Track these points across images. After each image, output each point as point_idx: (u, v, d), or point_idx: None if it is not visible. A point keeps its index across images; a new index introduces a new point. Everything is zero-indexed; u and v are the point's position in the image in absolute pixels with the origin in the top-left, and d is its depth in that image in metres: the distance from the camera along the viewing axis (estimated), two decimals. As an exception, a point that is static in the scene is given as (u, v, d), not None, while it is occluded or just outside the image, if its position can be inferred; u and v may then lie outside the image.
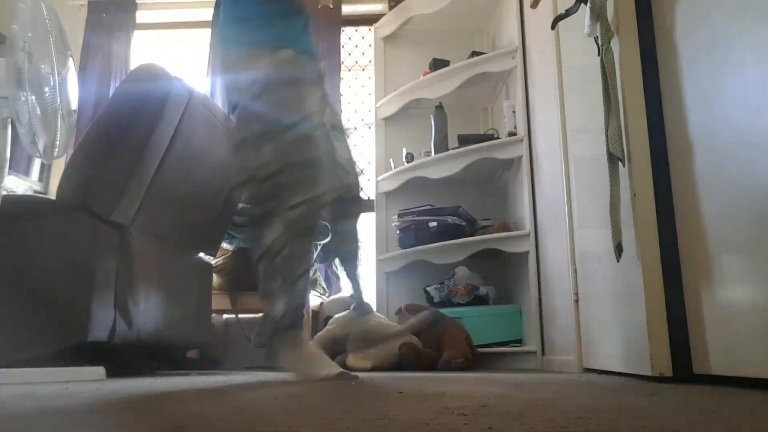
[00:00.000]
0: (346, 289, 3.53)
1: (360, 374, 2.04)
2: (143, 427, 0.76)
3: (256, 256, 1.75)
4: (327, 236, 2.96)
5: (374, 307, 3.03)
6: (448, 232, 2.92)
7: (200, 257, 2.58)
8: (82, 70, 3.81)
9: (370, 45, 3.89)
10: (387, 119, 3.50)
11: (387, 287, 3.26)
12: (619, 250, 1.51)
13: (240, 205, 2.96)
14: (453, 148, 3.01)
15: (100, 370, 1.77)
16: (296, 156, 1.69)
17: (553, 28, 1.94)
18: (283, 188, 1.68)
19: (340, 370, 1.71)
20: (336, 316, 2.78)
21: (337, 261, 3.46)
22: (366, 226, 3.49)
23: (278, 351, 1.73)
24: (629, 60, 1.58)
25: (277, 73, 1.73)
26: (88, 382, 1.64)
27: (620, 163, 1.54)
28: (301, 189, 1.68)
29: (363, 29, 4.02)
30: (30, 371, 1.60)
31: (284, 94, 1.73)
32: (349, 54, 4.00)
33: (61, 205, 1.93)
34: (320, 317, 3.13)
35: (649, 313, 1.45)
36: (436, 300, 2.98)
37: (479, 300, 2.92)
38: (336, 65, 3.80)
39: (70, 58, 1.82)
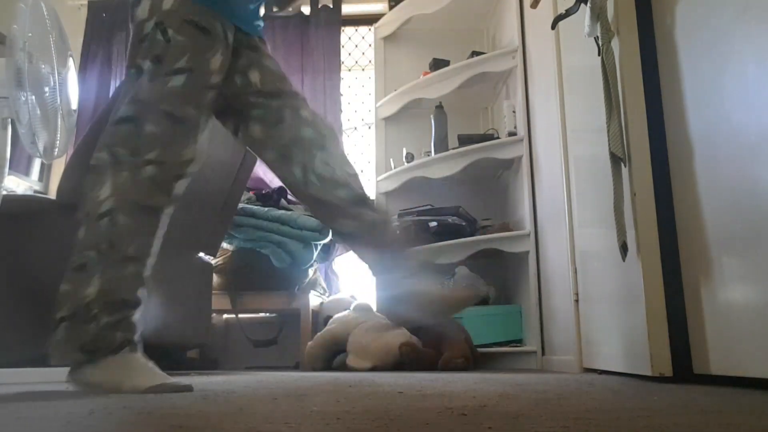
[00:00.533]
0: (345, 289, 3.53)
1: (360, 374, 2.04)
2: (143, 427, 0.76)
3: (80, 212, 1.39)
4: (326, 236, 2.96)
5: (374, 307, 3.03)
6: (448, 232, 2.92)
7: (200, 257, 2.58)
8: (82, 70, 3.81)
9: (370, 45, 3.89)
10: (387, 119, 3.50)
11: (387, 287, 3.26)
12: (624, 249, 1.52)
13: (240, 205, 2.96)
14: (453, 148, 3.01)
15: (100, 370, 1.77)
16: (158, 106, 1.40)
17: (553, 28, 1.94)
18: (137, 137, 1.39)
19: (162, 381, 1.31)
20: (336, 316, 2.78)
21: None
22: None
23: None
24: (629, 60, 1.58)
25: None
26: (88, 382, 1.63)
27: (622, 163, 1.55)
28: (158, 145, 1.39)
29: (363, 29, 4.02)
30: (30, 371, 1.60)
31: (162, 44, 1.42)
32: (349, 54, 4.00)
33: (61, 205, 1.93)
34: (320, 317, 3.13)
35: (649, 313, 1.45)
36: (436, 300, 2.97)
37: (479, 300, 2.92)
38: (336, 65, 3.80)
39: (70, 58, 1.82)
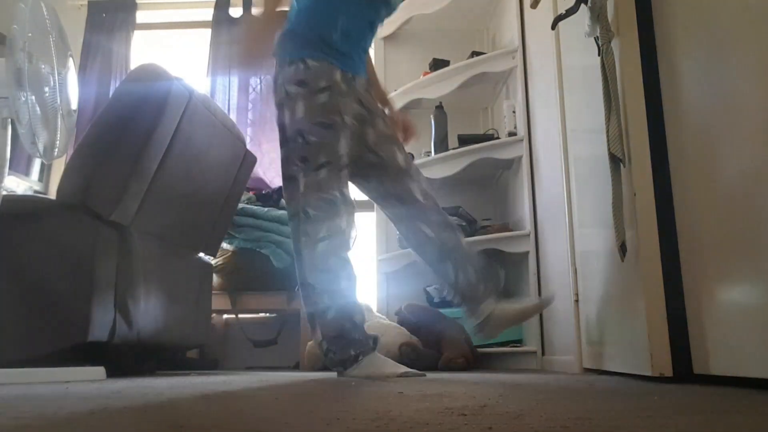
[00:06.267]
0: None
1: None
2: (143, 427, 0.76)
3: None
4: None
5: (374, 307, 3.03)
6: (448, 232, 2.91)
7: (200, 257, 2.58)
8: (82, 70, 3.81)
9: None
10: (387, 119, 3.49)
11: (387, 287, 3.26)
12: (623, 249, 1.51)
13: (240, 205, 2.96)
14: (453, 148, 3.00)
15: (100, 370, 1.77)
16: (315, 195, 1.82)
17: (553, 28, 1.94)
18: (307, 223, 1.83)
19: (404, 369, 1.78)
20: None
21: None
22: (366, 226, 3.50)
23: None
24: (629, 60, 1.58)
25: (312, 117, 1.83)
26: (88, 382, 1.64)
27: (621, 164, 1.54)
28: (324, 224, 1.81)
29: (363, 29, 4.01)
30: (30, 371, 1.60)
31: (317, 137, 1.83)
32: (349, 54, 3.99)
33: (61, 205, 1.93)
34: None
35: (649, 313, 1.45)
36: (436, 300, 2.97)
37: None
38: (336, 65, 3.79)
39: (70, 58, 1.82)
